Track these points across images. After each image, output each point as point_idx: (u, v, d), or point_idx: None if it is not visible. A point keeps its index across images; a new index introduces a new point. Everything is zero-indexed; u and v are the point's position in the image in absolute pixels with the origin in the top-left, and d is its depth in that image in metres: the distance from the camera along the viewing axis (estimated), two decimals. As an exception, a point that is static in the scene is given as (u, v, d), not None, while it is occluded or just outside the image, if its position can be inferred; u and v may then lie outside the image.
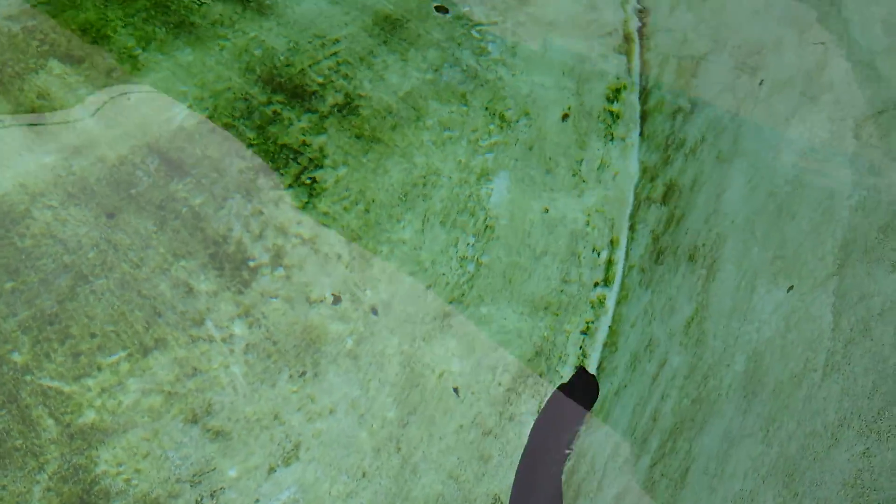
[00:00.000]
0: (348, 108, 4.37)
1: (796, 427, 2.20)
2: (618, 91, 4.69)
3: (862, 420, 2.04)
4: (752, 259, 2.83)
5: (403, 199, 4.07)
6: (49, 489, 3.10)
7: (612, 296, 3.83)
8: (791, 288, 2.56)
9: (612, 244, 4.02)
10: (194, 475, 3.28)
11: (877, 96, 2.84)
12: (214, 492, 3.24)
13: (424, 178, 4.16)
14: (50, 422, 3.25)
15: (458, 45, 4.86)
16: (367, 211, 4.00)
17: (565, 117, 4.56)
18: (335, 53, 4.64)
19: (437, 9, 5.01)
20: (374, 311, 3.71)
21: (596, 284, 3.90)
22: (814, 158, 2.82)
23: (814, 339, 2.34)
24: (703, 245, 3.20)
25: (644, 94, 4.57)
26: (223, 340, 3.54)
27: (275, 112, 4.25)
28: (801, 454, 2.13)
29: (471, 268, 3.91)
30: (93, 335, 3.46)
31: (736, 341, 2.69)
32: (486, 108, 4.51)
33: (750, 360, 2.57)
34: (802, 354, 2.35)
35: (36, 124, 3.98)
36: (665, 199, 3.72)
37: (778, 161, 2.98)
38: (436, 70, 4.69)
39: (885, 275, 2.25)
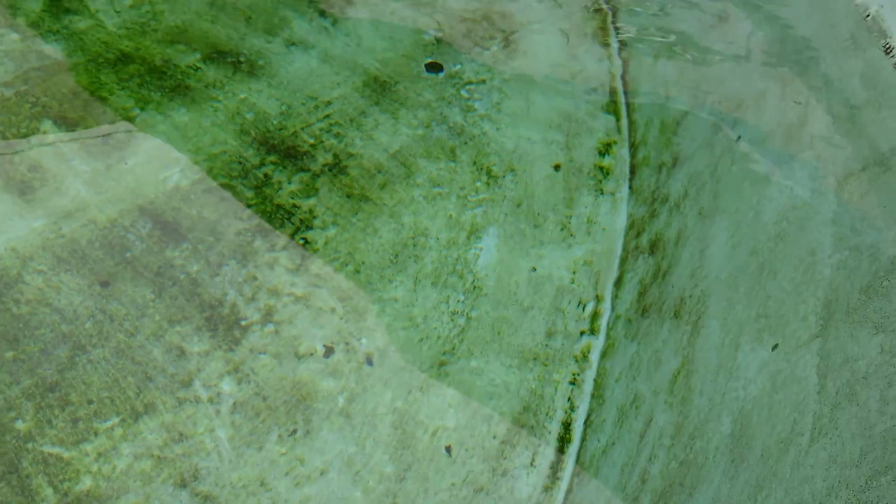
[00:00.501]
0: (338, 167, 4.36)
1: (784, 496, 2.11)
2: (608, 146, 4.67)
3: (850, 490, 1.95)
4: (736, 316, 2.76)
5: (394, 260, 4.03)
6: (40, 561, 3.03)
7: (597, 347, 3.77)
8: (776, 346, 2.49)
9: (599, 298, 3.97)
10: (183, 542, 3.19)
11: (858, 153, 2.79)
12: (203, 560, 3.15)
13: (414, 238, 4.13)
14: (49, 491, 3.19)
15: (448, 103, 4.85)
16: (357, 272, 3.96)
17: (556, 170, 4.54)
18: (327, 116, 4.63)
19: (429, 67, 5.00)
20: (370, 361, 3.65)
21: (582, 333, 3.84)
22: (795, 216, 2.76)
23: (800, 401, 2.26)
24: (689, 300, 3.14)
25: (633, 149, 4.55)
26: (209, 401, 3.47)
27: (266, 175, 4.24)
28: (789, 524, 2.05)
29: (461, 321, 3.86)
30: (90, 401, 3.41)
31: (723, 399, 2.61)
32: (475, 163, 4.49)
33: (736, 421, 2.48)
34: (789, 416, 2.27)
35: (29, 188, 3.97)
36: (652, 251, 3.68)
37: (759, 219, 2.93)
38: (426, 126, 4.69)
39: (868, 337, 2.19)
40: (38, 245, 3.75)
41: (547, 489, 3.42)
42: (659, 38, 4.95)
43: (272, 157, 4.32)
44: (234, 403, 3.49)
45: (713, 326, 2.85)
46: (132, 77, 4.57)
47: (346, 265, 3.97)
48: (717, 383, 2.67)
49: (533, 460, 3.49)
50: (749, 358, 2.57)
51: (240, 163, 4.27)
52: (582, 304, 3.94)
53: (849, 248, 2.47)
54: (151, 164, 4.19)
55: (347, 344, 3.69)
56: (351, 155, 4.41)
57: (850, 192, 2.66)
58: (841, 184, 2.73)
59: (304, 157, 4.35)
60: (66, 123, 4.25)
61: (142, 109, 4.37)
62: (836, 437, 2.08)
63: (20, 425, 3.31)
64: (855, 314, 2.29)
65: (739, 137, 3.35)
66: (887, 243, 2.37)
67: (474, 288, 3.97)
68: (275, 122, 4.51)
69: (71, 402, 3.39)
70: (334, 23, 5.31)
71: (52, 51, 4.65)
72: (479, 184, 4.43)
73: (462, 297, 3.94)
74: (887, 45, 3.17)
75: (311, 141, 4.44)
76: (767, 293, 2.65)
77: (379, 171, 4.36)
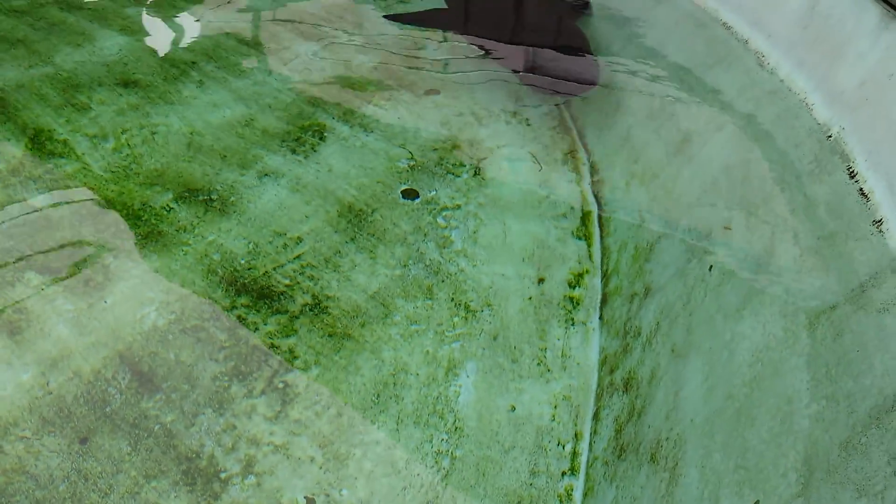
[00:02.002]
0: (318, 307, 4.27)
1: None
2: (580, 276, 4.59)
3: None
4: (714, 465, 2.60)
5: (376, 400, 3.90)
6: None
7: (578, 487, 3.60)
8: (757, 503, 2.34)
9: (578, 435, 3.81)
10: None
11: (826, 288, 2.70)
12: None
13: (394, 375, 4.00)
14: None
15: (424, 236, 4.80)
16: (339, 416, 3.82)
17: (527, 304, 4.44)
18: (298, 256, 4.57)
19: (405, 194, 5.00)
20: None
21: (563, 474, 3.67)
22: (769, 359, 2.65)
23: (785, 574, 2.10)
24: (665, 444, 2.98)
25: (605, 279, 4.46)
26: (189, 561, 3.29)
27: (239, 317, 4.17)
28: None
29: (445, 463, 3.69)
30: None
31: (707, 564, 2.44)
32: (452, 300, 4.40)
33: (722, 589, 2.31)
34: (774, 591, 2.10)
35: (13, 338, 3.90)
36: (626, 389, 3.54)
37: (733, 359, 2.81)
38: (404, 266, 4.62)
39: (850, 502, 2.04)
40: (24, 406, 3.66)
41: None
42: (628, 161, 4.94)
43: (243, 300, 4.25)
44: (214, 561, 3.31)
45: (692, 476, 2.69)
46: (109, 227, 4.56)
47: (328, 408, 3.83)
48: (699, 543, 2.51)
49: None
50: (730, 517, 2.41)
51: (210, 305, 4.20)
52: (562, 444, 3.78)
53: (825, 398, 2.35)
54: (129, 302, 4.13)
55: (328, 495, 3.52)
56: (329, 297, 4.33)
57: (823, 332, 2.56)
58: (812, 322, 2.63)
59: (281, 298, 4.28)
60: (50, 272, 4.22)
61: (115, 258, 4.34)
62: None
63: None
64: (836, 473, 2.15)
65: (711, 267, 3.27)
66: (863, 393, 2.25)
67: (456, 429, 3.82)
68: (242, 262, 4.46)
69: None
70: (306, 157, 5.33)
71: (37, 202, 4.67)
72: (456, 319, 4.32)
73: (445, 437, 3.78)
74: (850, 169, 3.12)
75: (287, 282, 4.37)
76: (746, 443, 2.51)
77: (357, 314, 4.28)
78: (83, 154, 5.04)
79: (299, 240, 4.68)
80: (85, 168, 4.94)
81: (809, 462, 2.24)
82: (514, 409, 3.89)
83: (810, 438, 2.29)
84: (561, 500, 3.59)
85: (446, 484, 3.63)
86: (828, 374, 2.39)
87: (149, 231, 4.57)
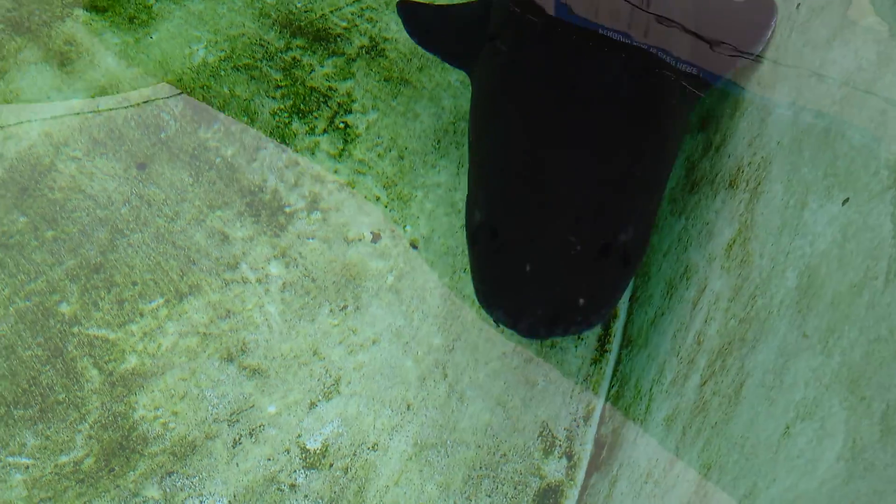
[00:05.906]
0: (375, 50, 4.30)
1: (858, 335, 2.17)
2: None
3: (930, 321, 2.01)
4: (801, 178, 2.77)
5: (437, 146, 4.01)
6: (90, 437, 3.14)
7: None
8: (846, 200, 2.52)
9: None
10: (232, 414, 3.27)
11: (925, 16, 2.79)
12: (253, 430, 3.23)
13: (454, 123, 4.10)
14: (94, 372, 3.28)
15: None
16: (401, 158, 3.96)
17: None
18: (357, -1, 4.54)
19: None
20: (415, 246, 3.69)
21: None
22: (861, 78, 2.77)
23: (873, 247, 2.30)
24: (747, 168, 3.15)
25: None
26: (258, 281, 3.52)
27: (294, 59, 4.20)
28: (865, 360, 2.10)
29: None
30: (134, 283, 3.47)
31: (787, 258, 2.65)
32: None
33: (803, 274, 2.53)
34: (862, 263, 2.31)
35: (64, 67, 3.97)
36: (702, 126, 3.67)
37: (822, 83, 2.93)
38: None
39: (944, 182, 2.23)
40: (74, 126, 3.76)
41: (595, 361, 3.51)
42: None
43: (298, 41, 4.26)
44: (284, 283, 3.54)
45: (776, 191, 2.88)
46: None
47: (390, 150, 3.96)
48: (780, 244, 2.71)
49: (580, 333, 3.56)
50: (817, 215, 2.60)
51: (262, 45, 4.22)
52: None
53: (921, 104, 2.49)
54: (175, 39, 4.16)
55: (393, 231, 3.73)
56: (387, 39, 4.34)
57: (919, 52, 2.67)
58: (908, 45, 2.73)
59: (338, 40, 4.30)
60: (97, 10, 4.21)
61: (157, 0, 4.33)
62: (914, 275, 2.13)
63: (65, 308, 3.36)
64: (930, 164, 2.32)
65: (798, 5, 3.32)
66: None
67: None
68: (299, 6, 4.42)
69: (116, 284, 3.43)
70: None
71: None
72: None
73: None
74: None
75: (345, 24, 4.36)
76: (835, 153, 2.66)
77: (414, 55, 4.30)
78: None
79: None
80: None
81: (902, 159, 2.41)
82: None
83: (904, 138, 2.44)
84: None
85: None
86: (924, 85, 2.52)
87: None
